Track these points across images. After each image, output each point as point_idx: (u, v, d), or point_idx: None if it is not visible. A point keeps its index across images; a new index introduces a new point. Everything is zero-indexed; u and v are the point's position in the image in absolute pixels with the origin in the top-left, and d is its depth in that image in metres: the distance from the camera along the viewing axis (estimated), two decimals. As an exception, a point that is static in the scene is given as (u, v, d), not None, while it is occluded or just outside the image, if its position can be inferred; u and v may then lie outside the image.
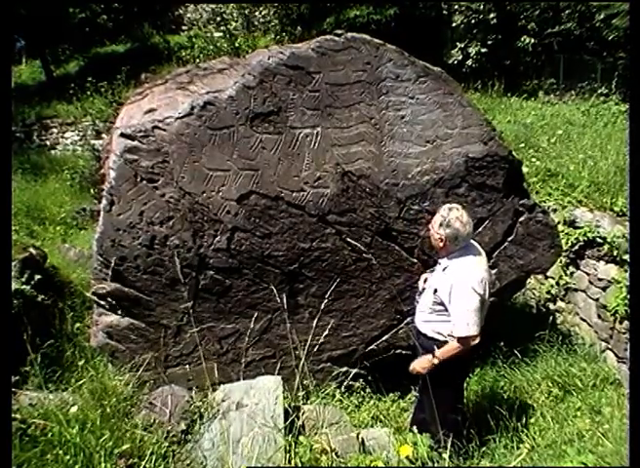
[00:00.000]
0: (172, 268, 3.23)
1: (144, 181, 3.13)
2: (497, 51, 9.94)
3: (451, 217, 2.81)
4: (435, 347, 2.90)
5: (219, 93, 3.16)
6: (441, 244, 2.88)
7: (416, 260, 3.52)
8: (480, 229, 3.53)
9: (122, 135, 3.14)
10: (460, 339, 2.80)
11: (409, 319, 3.45)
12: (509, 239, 3.63)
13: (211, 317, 3.36)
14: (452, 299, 2.82)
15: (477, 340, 2.79)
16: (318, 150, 3.25)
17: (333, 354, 3.56)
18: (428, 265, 3.50)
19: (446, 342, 2.88)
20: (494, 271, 3.65)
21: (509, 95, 9.31)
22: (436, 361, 2.87)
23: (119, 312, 3.36)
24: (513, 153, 3.65)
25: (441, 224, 2.84)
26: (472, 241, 2.99)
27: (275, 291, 3.25)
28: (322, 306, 3.37)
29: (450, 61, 9.94)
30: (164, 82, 3.54)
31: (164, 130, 3.11)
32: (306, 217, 3.29)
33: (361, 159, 3.30)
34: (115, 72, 9.51)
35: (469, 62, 9.91)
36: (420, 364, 2.94)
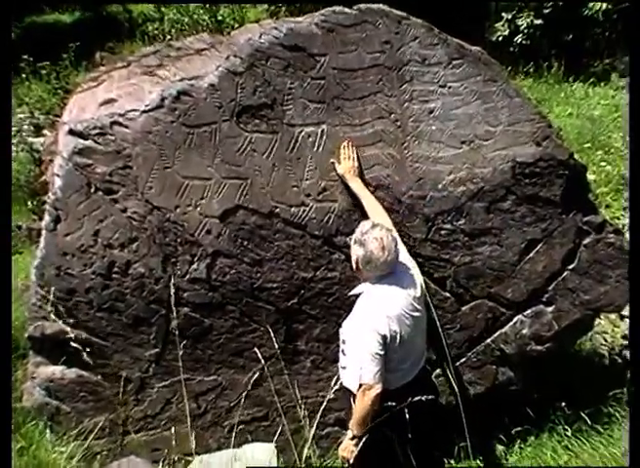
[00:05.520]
0: (135, 304, 3.31)
1: (100, 192, 3.22)
2: (555, 22, 9.92)
3: (368, 236, 2.93)
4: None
5: (196, 80, 3.26)
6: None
7: (449, 294, 3.60)
8: (532, 254, 3.60)
9: (71, 132, 3.23)
10: (358, 389, 2.91)
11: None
12: (570, 267, 3.69)
13: (185, 367, 3.41)
14: (348, 336, 3.01)
15: (375, 391, 2.87)
16: (323, 154, 3.35)
17: (342, 415, 3.56)
18: (464, 301, 3.60)
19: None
20: (549, 309, 3.72)
21: (571, 79, 9.33)
22: (351, 434, 2.96)
23: (64, 361, 3.41)
24: (575, 156, 3.72)
25: (355, 241, 3.00)
26: (405, 264, 3.12)
27: (269, 333, 3.33)
28: (328, 353, 3.45)
29: (493, 38, 9.91)
30: (126, 65, 3.65)
31: (126, 126, 3.21)
32: (308, 239, 3.38)
33: (378, 165, 3.40)
34: (60, 49, 9.60)
35: (519, 39, 9.87)
36: (344, 449, 3.01)
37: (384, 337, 2.88)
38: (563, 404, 3.89)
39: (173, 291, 3.23)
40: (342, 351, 3.13)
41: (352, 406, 3.00)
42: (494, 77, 3.50)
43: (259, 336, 3.44)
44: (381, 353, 2.88)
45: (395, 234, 3.06)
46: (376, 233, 2.93)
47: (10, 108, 3.33)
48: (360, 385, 2.89)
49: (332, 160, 3.35)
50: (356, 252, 2.98)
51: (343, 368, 3.12)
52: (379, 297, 2.96)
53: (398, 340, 2.93)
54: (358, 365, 2.91)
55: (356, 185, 3.32)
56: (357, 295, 3.09)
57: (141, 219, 3.24)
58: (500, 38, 9.87)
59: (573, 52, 9.88)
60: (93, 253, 3.25)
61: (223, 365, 3.48)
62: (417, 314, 3.03)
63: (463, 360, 3.73)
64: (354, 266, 3.06)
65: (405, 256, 3.16)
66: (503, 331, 3.73)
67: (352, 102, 3.36)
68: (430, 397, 2.99)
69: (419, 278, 3.16)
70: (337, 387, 3.06)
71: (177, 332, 3.34)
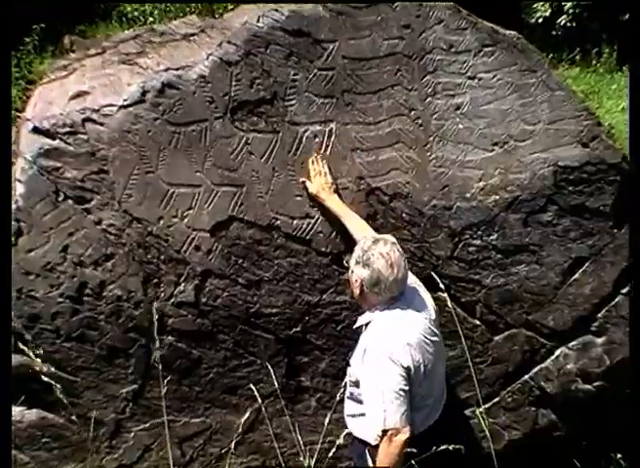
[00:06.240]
0: (110, 332, 3.34)
1: (70, 201, 3.25)
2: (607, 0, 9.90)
3: (372, 253, 2.91)
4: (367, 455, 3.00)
5: (184, 70, 3.30)
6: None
7: (479, 322, 3.65)
8: (577, 275, 3.64)
9: (35, 130, 3.25)
10: (382, 436, 2.85)
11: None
12: (624, 291, 3.72)
13: (168, 407, 3.39)
14: (363, 374, 2.95)
15: (403, 436, 2.83)
16: (332, 157, 3.41)
17: (352, 464, 3.57)
18: (497, 329, 3.64)
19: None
20: (599, 340, 3.74)
21: (626, 68, 9.34)
22: None
23: (23, 401, 3.39)
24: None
25: (357, 262, 2.96)
26: (414, 286, 3.13)
27: (268, 367, 3.35)
28: (337, 391, 3.38)
29: (532, 20, 9.90)
30: (100, 52, 3.68)
31: (101, 124, 3.23)
32: (314, 257, 3.44)
33: (395, 170, 3.46)
34: (22, 32, 9.68)
35: (562, 20, 9.88)
36: None
37: (408, 370, 2.86)
38: (618, 455, 3.84)
39: (156, 317, 3.19)
40: (352, 396, 3.11)
41: (368, 460, 2.99)
42: (532, 67, 3.56)
43: (255, 371, 3.49)
44: (406, 389, 2.86)
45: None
46: (380, 248, 2.92)
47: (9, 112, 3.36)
48: (384, 432, 2.83)
49: (302, 179, 3.40)
50: (360, 273, 2.95)
51: (357, 415, 3.09)
52: (393, 324, 2.94)
53: (422, 372, 2.93)
54: (380, 407, 2.84)
55: (334, 204, 3.35)
56: (362, 327, 3.08)
57: (119, 233, 3.28)
58: (541, 20, 9.86)
59: (628, 35, 9.84)
60: (61, 273, 3.26)
61: (214, 404, 3.51)
62: (436, 339, 3.04)
63: (496, 400, 3.76)
64: (357, 292, 3.03)
65: (410, 274, 3.14)
66: (544, 365, 3.76)
67: (365, 97, 3.42)
68: (458, 445, 3.00)
69: (429, 297, 3.18)
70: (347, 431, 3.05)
71: (159, 366, 3.24)
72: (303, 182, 3.39)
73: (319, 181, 3.34)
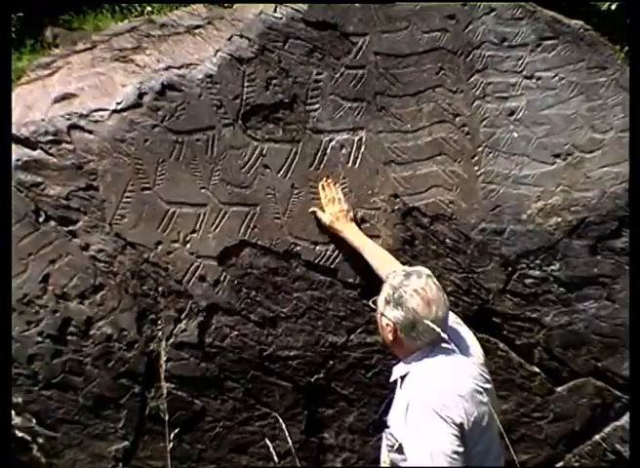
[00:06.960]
0: (98, 378, 3.35)
1: (52, 222, 3.29)
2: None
3: (404, 290, 2.84)
4: None
5: (188, 69, 3.37)
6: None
7: (537, 369, 3.64)
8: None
9: (13, 138, 3.26)
10: None
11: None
12: None
13: (167, 467, 3.38)
14: (406, 435, 2.81)
15: None
16: (361, 171, 3.46)
17: None
18: (561, 378, 3.63)
19: None
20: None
21: None
22: None
23: None
24: None
25: (388, 301, 2.88)
26: (454, 326, 3.04)
27: (284, 420, 3.32)
28: (367, 450, 3.47)
29: (604, 7, 9.89)
30: (89, 47, 3.73)
31: (90, 132, 3.28)
32: (340, 289, 3.47)
33: (437, 187, 3.50)
34: None
35: None
36: None
37: (461, 427, 2.70)
38: None
39: (154, 360, 3.25)
40: (395, 464, 2.96)
41: None
42: (602, 63, 3.62)
43: (269, 425, 3.50)
44: (460, 450, 2.67)
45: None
46: (414, 284, 2.83)
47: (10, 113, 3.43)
48: None
49: (312, 209, 3.41)
50: (391, 316, 2.85)
51: None
52: (439, 373, 2.81)
53: (479, 427, 2.78)
54: None
55: (352, 233, 3.37)
56: (398, 381, 2.97)
57: (109, 260, 3.31)
58: (613, 6, 9.87)
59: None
60: (40, 307, 3.29)
61: (220, 465, 3.52)
62: (489, 386, 2.92)
63: (560, 464, 3.76)
64: (389, 338, 2.92)
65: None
66: (619, 424, 3.76)
67: (402, 100, 3.47)
68: None
69: (473, 338, 3.08)
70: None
71: (156, 418, 3.34)
72: (314, 213, 3.41)
73: (333, 210, 3.37)
